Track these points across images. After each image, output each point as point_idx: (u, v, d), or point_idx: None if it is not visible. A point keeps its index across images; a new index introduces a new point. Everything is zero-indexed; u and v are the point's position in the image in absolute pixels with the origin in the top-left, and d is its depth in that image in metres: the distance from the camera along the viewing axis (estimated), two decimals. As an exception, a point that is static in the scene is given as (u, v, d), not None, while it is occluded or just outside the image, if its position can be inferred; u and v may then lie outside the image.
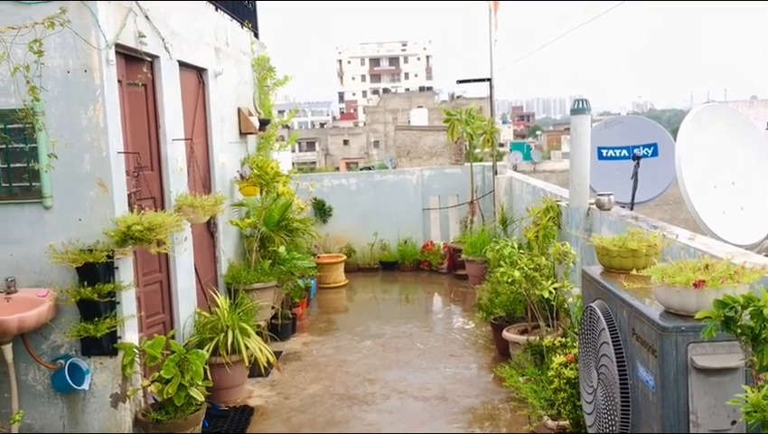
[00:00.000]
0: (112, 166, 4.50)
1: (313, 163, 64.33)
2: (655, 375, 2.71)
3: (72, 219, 4.49)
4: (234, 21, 8.06)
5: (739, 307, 2.08)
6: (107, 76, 4.45)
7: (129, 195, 4.87)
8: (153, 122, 5.48)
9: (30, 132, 4.38)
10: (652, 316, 2.74)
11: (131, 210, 4.76)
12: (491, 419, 5.24)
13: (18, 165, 4.51)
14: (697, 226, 5.26)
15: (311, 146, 69.35)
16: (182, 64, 6.02)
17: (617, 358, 3.05)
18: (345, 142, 70.03)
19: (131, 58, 5.01)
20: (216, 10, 7.34)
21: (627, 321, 3.02)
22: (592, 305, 3.41)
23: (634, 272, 3.09)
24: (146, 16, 5.12)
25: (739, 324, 2.09)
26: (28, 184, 4.50)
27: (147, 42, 5.05)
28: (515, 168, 24.12)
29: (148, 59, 5.06)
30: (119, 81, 4.78)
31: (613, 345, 3.09)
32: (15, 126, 4.41)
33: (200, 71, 6.68)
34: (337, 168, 56.08)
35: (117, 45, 4.64)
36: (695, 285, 2.37)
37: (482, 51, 10.32)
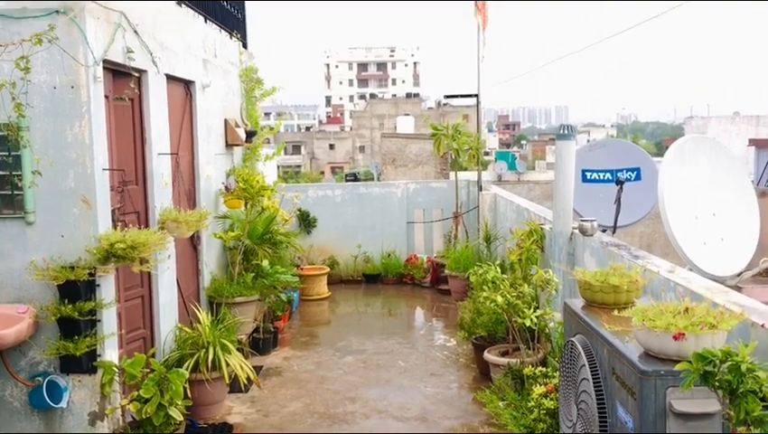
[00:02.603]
0: (96, 183, 4.48)
1: (299, 166, 64.27)
2: (634, 417, 2.73)
3: (55, 235, 4.46)
4: (223, 32, 8.05)
5: (717, 361, 2.11)
6: (93, 92, 4.43)
7: (113, 211, 4.84)
8: (139, 136, 5.46)
9: (14, 143, 4.33)
10: (632, 358, 2.77)
11: (114, 225, 4.74)
12: (470, 442, 5.26)
13: (1, 173, 4.45)
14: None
15: (296, 149, 69.27)
16: (170, 77, 6.00)
17: (597, 396, 3.08)
18: (331, 146, 70.07)
19: (119, 72, 4.99)
20: (205, 21, 7.33)
21: (608, 360, 3.05)
22: (573, 340, 3.44)
23: (616, 313, 3.11)
24: (135, 31, 5.10)
25: (717, 378, 2.12)
26: (11, 199, 4.47)
27: (135, 57, 5.04)
28: (500, 178, 24.21)
29: (136, 74, 5.03)
30: (106, 97, 4.76)
31: (593, 383, 3.12)
32: (-1, 134, 4.35)
33: (187, 84, 6.66)
34: (322, 172, 56.12)
35: (105, 61, 4.62)
36: (674, 337, 2.40)
37: (469, 56, 10.28)
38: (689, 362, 2.26)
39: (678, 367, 2.21)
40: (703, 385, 2.17)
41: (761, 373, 2.09)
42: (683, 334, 2.38)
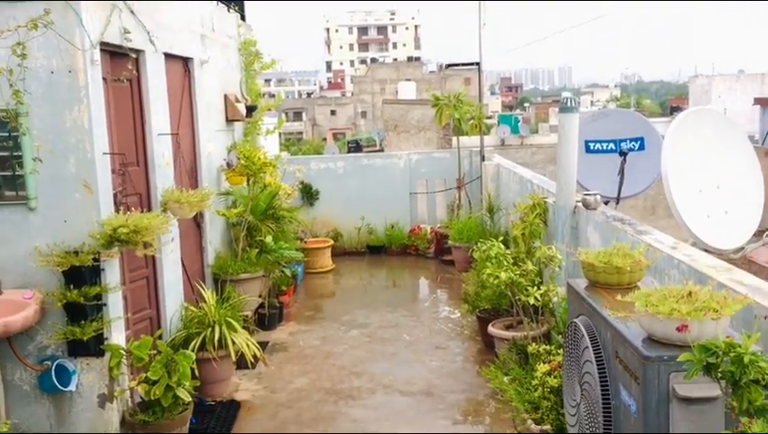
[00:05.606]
0: (97, 168, 4.45)
1: (300, 133, 64.03)
2: (637, 401, 2.76)
3: (58, 221, 4.45)
4: (220, 4, 7.94)
5: (720, 353, 2.12)
6: (91, 76, 4.38)
7: (115, 194, 4.83)
8: (138, 117, 5.42)
9: (13, 126, 4.27)
10: (635, 343, 2.78)
11: (117, 209, 4.73)
12: (475, 416, 5.32)
13: (1, 153, 4.42)
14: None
15: (297, 116, 68.92)
16: (168, 55, 5.92)
17: (600, 379, 3.10)
18: (332, 112, 69.64)
19: (116, 53, 4.93)
20: (202, -5, 7.22)
21: (611, 343, 3.06)
22: (576, 321, 3.45)
23: (619, 297, 3.11)
24: (131, 11, 5.02)
25: (720, 369, 2.13)
26: (12, 181, 4.45)
27: (132, 37, 4.97)
28: (503, 142, 24.06)
29: (134, 54, 4.96)
30: (104, 79, 4.71)
31: (597, 366, 3.14)
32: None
33: (185, 61, 6.59)
34: (324, 139, 55.85)
35: (102, 43, 4.56)
36: (678, 329, 2.40)
37: (471, 17, 10.05)
38: (692, 351, 2.26)
39: (681, 358, 2.22)
40: (706, 376, 2.18)
41: (764, 364, 2.10)
42: (686, 326, 2.38)
